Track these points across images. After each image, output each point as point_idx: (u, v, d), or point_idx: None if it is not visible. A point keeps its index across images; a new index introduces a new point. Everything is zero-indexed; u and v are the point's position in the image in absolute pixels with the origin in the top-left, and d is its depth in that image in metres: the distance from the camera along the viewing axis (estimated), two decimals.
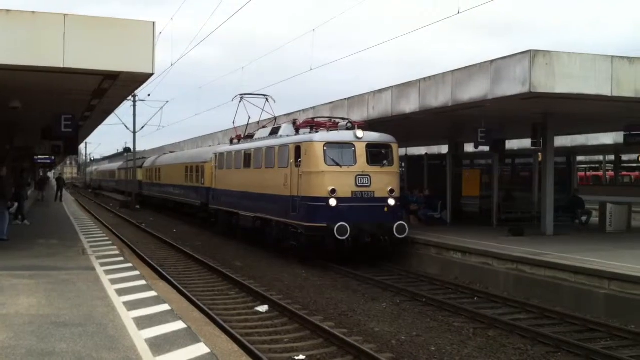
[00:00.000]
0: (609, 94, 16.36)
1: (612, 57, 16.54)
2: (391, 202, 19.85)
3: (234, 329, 11.52)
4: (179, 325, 9.59)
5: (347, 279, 17.90)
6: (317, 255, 20.09)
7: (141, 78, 14.21)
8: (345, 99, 25.30)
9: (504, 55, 16.66)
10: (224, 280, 17.61)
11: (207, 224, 31.96)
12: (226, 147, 29.47)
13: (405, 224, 19.62)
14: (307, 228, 19.66)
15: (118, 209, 48.60)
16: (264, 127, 27.11)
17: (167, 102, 65.74)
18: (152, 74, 13.35)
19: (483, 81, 16.78)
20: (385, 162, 20.25)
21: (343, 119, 22.16)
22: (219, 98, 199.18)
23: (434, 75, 19.39)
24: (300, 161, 20.18)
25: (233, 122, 30.63)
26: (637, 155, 48.79)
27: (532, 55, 15.66)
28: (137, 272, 14.42)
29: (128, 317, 9.88)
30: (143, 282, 13.12)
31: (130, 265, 15.59)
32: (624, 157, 55.91)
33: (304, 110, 29.19)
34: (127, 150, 64.22)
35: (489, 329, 12.33)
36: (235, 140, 28.81)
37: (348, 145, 19.92)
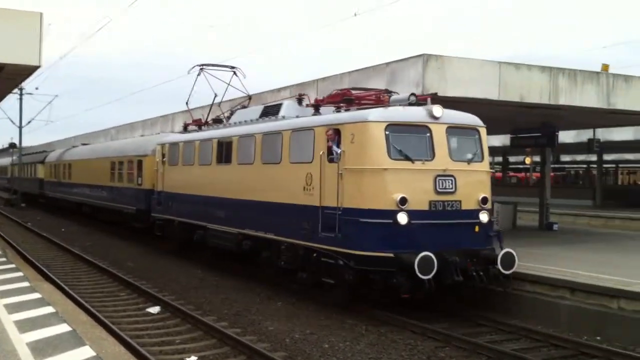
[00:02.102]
0: (496, 98, 17.00)
1: (500, 63, 17.20)
2: (484, 217, 13.28)
3: (123, 331, 11.35)
4: (63, 328, 9.28)
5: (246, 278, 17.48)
6: (374, 300, 13.58)
7: (27, 70, 13.58)
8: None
9: (399, 58, 17.08)
10: (114, 280, 17.24)
11: (144, 236, 25.53)
12: (182, 136, 22.08)
13: (514, 252, 12.91)
14: (358, 259, 12.60)
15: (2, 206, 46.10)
16: (242, 107, 20.30)
17: (56, 96, 61.63)
18: (38, 67, 12.78)
19: (379, 83, 17.05)
20: (473, 155, 13.56)
21: (389, 91, 15.11)
22: (118, 91, 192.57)
23: (332, 76, 19.49)
24: (339, 153, 13.14)
25: (187, 103, 23.39)
26: (523, 157, 51.21)
27: (425, 59, 16.10)
28: (20, 274, 13.75)
29: (9, 321, 9.44)
30: (26, 284, 12.52)
31: (13, 265, 14.84)
32: (511, 159, 58.58)
33: (288, 87, 22.21)
34: (12, 145, 60.33)
35: (381, 326, 12.59)
36: (194, 127, 22.08)
37: (421, 128, 13.03)
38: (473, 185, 13.24)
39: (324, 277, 13.68)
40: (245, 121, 18.04)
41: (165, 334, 11.89)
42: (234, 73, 21.98)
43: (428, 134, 12.96)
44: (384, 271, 12.34)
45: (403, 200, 12.37)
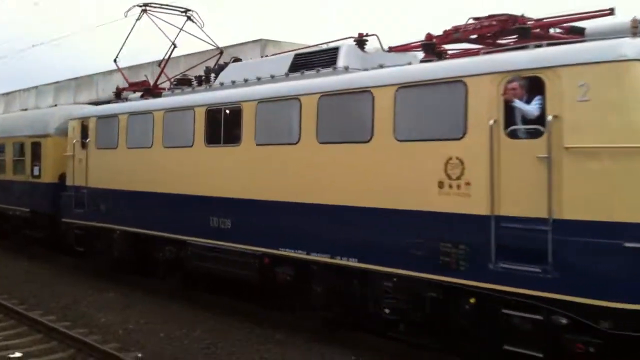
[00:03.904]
0: None
1: None
2: None
3: None
4: None
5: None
6: None
7: None
8: (72, 79, 22.25)
9: (238, 42, 17.13)
10: None
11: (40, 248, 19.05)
12: (121, 106, 15.10)
13: None
14: (614, 317, 6.81)
15: None
16: (235, 59, 13.77)
17: None
18: None
19: None
20: None
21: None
22: None
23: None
24: (549, 122, 7.19)
25: (115, 61, 16.31)
26: None
27: (263, 43, 16.99)
28: None
29: None
30: None
31: None
32: None
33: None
34: None
35: (218, 313, 12.10)
36: (134, 94, 15.81)
37: None
38: None
39: (508, 343, 7.66)
40: (259, 79, 11.59)
41: None
42: (189, 18, 15.45)
43: None
44: None
45: None
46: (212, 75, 13.59)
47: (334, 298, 9.89)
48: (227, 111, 11.61)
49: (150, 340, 10.58)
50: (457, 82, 8.11)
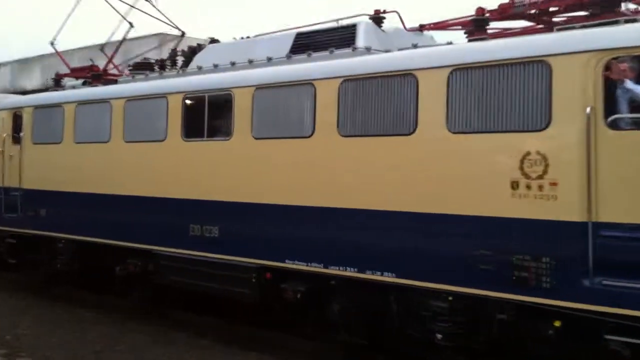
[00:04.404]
0: None
1: None
2: None
3: None
4: None
5: None
6: None
7: None
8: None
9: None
10: None
11: None
12: (66, 94, 12.80)
13: None
14: None
15: None
16: (212, 40, 11.68)
17: None
18: None
19: None
20: None
21: None
22: None
23: None
24: None
25: (52, 44, 14.16)
26: None
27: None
28: None
29: None
30: None
31: None
32: None
33: None
34: None
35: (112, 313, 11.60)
36: (76, 82, 13.59)
37: None
38: None
39: None
40: (251, 62, 9.89)
41: None
42: None
43: None
44: None
45: None
46: (180, 59, 11.78)
47: (358, 319, 8.38)
48: (213, 99, 9.85)
49: (43, 345, 9.89)
50: (537, 62, 6.76)
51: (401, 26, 9.26)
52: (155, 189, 10.58)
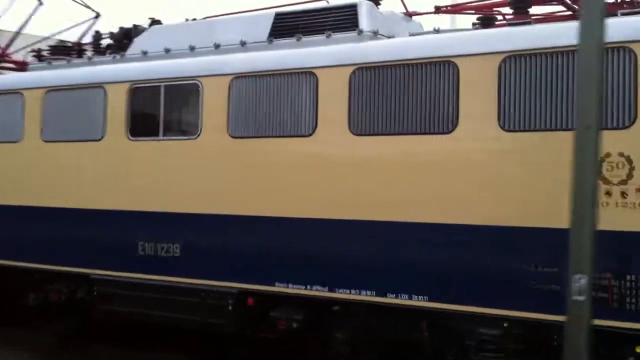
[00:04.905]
0: None
1: None
2: None
3: None
4: None
5: None
6: None
7: None
8: None
9: None
10: None
11: None
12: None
13: None
14: None
15: None
16: (152, 23, 9.52)
17: None
18: None
19: None
20: None
21: None
22: None
23: None
24: None
25: None
26: None
27: None
28: None
29: None
30: None
31: None
32: None
33: None
34: None
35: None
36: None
37: None
38: None
39: None
40: (218, 46, 8.27)
41: None
42: None
43: None
44: None
45: None
46: (106, 42, 9.94)
47: (372, 349, 7.10)
48: (173, 90, 8.18)
49: None
50: (621, 48, 5.83)
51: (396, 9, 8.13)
52: (86, 198, 8.68)
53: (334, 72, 7.07)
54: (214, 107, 7.77)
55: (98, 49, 9.92)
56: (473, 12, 7.36)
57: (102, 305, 8.51)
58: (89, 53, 9.95)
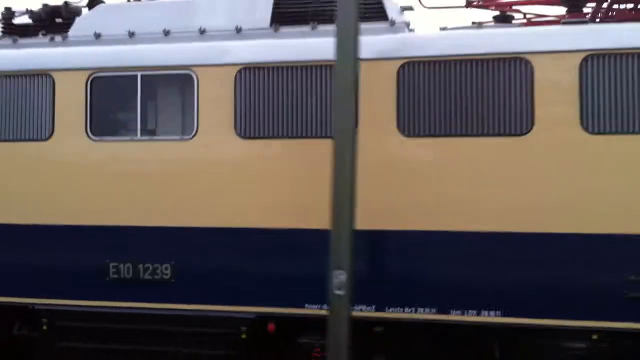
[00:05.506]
0: None
1: None
2: None
3: None
4: None
5: None
6: None
7: None
8: None
9: None
10: None
11: None
12: None
13: None
14: None
15: None
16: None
17: None
18: None
19: None
20: None
21: None
22: None
23: None
24: None
25: None
26: None
27: None
28: None
29: None
30: None
31: None
32: None
33: None
34: None
35: None
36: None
37: None
38: None
39: None
40: (203, 32, 7.01)
41: None
42: None
43: None
44: None
45: None
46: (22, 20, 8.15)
47: None
48: (155, 81, 6.85)
49: None
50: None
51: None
52: (29, 212, 7.02)
53: (384, 65, 6.27)
54: (214, 104, 6.61)
55: (11, 29, 8.09)
56: (507, 9, 6.96)
57: (58, 342, 6.90)
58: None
